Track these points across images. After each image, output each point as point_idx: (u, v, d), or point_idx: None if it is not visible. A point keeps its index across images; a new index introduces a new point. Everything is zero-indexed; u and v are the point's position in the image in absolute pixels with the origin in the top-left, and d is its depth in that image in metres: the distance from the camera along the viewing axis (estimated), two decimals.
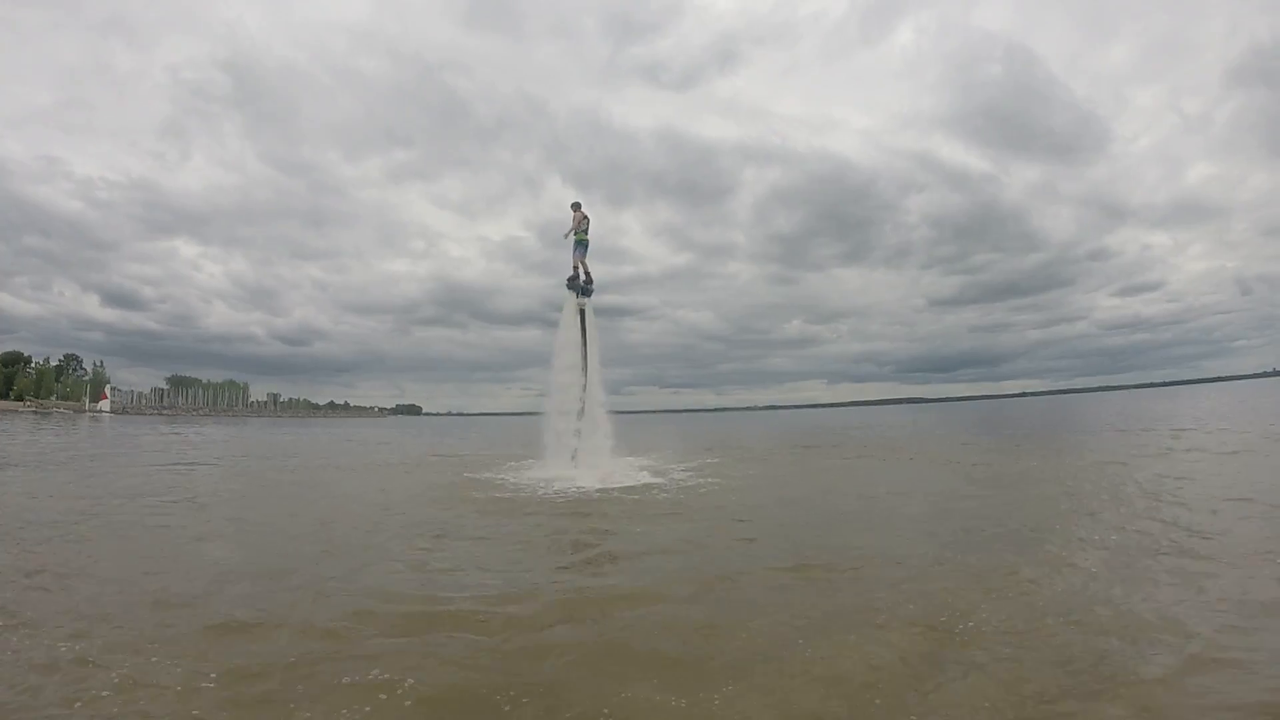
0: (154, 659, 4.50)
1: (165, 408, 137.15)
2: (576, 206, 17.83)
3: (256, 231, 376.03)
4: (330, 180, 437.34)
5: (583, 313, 17.36)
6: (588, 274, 17.62)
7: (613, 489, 13.27)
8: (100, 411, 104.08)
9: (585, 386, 16.88)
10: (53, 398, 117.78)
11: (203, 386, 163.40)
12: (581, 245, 17.58)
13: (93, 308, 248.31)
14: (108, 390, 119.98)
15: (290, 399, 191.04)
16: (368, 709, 3.88)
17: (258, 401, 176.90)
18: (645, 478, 15.19)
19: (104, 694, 4.01)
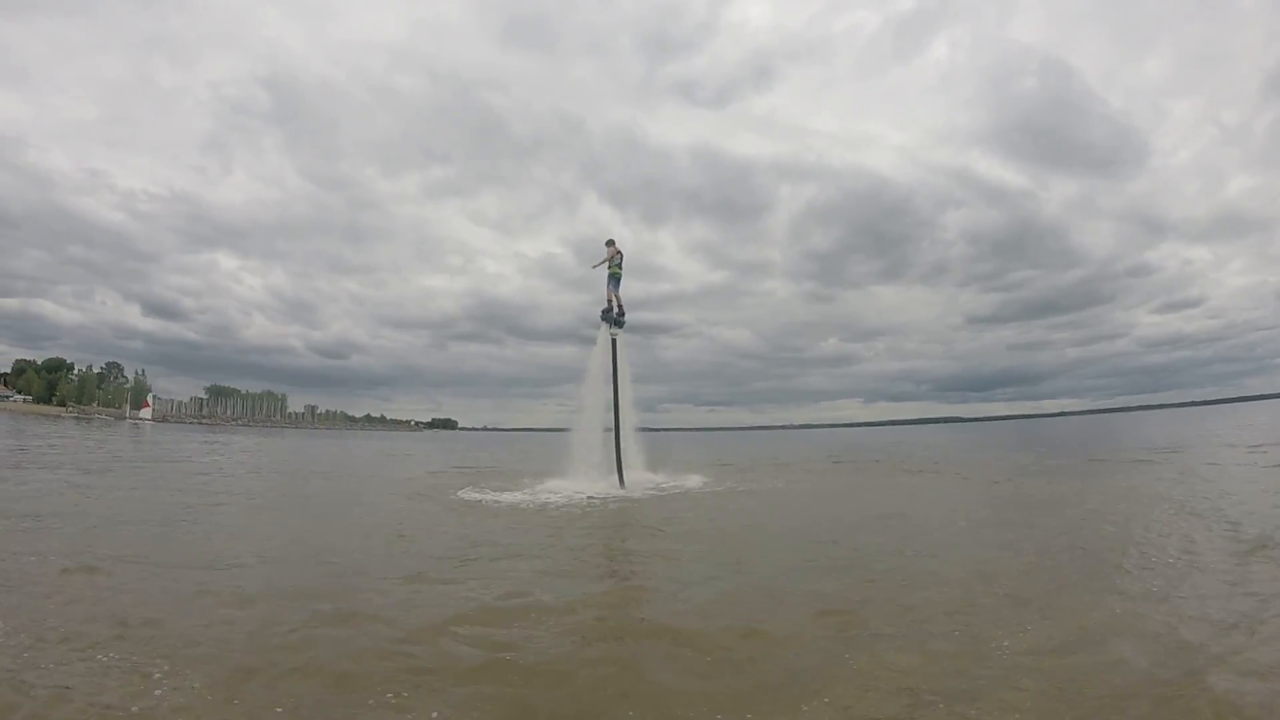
0: None
1: (204, 417, 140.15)
2: (610, 243, 18.92)
3: (295, 245, 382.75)
4: (368, 196, 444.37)
5: (614, 343, 18.31)
6: (620, 307, 18.63)
7: (640, 498, 14.66)
8: (141, 419, 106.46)
9: (617, 409, 17.80)
10: (94, 404, 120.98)
11: (241, 397, 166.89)
12: (615, 279, 18.66)
13: (134, 317, 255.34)
14: (149, 399, 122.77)
15: (327, 411, 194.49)
16: None
17: (295, 413, 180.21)
18: (669, 490, 16.33)
19: None
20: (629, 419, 18.17)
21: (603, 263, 18.86)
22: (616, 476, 16.84)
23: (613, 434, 17.60)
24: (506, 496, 15.16)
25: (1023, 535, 9.64)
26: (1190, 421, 71.89)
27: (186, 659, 4.60)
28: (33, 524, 9.77)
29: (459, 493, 15.77)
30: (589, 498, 14.59)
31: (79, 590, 6.30)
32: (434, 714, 3.96)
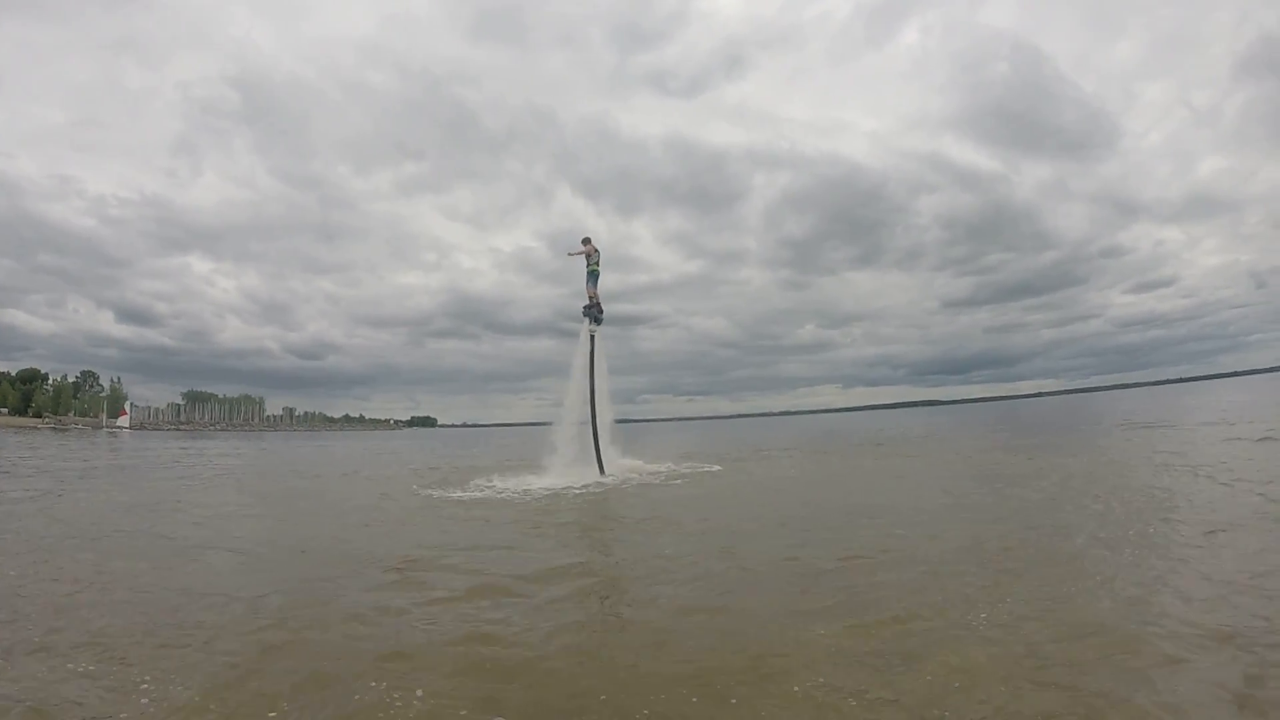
0: None
1: (182, 423, 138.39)
2: (586, 241, 19.42)
3: (269, 246, 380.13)
4: (341, 194, 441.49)
5: (593, 338, 18.93)
6: (598, 303, 19.20)
7: (620, 484, 15.60)
8: (119, 428, 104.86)
9: (593, 403, 18.38)
10: (71, 414, 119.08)
11: (218, 401, 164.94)
12: (593, 276, 19.18)
13: (107, 324, 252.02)
14: (127, 406, 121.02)
15: (306, 413, 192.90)
16: None
17: (273, 415, 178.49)
18: (645, 478, 17.15)
19: None
20: (604, 411, 18.70)
21: (579, 254, 19.40)
22: (597, 467, 17.54)
23: (592, 426, 18.14)
24: (490, 488, 15.63)
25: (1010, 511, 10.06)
26: (1165, 399, 73.40)
27: (171, 666, 4.64)
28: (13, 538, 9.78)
29: (440, 490, 15.88)
30: (571, 486, 15.23)
31: (59, 599, 6.35)
32: (419, 692, 4.18)
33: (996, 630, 4.92)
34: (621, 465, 19.02)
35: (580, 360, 18.94)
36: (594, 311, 19.06)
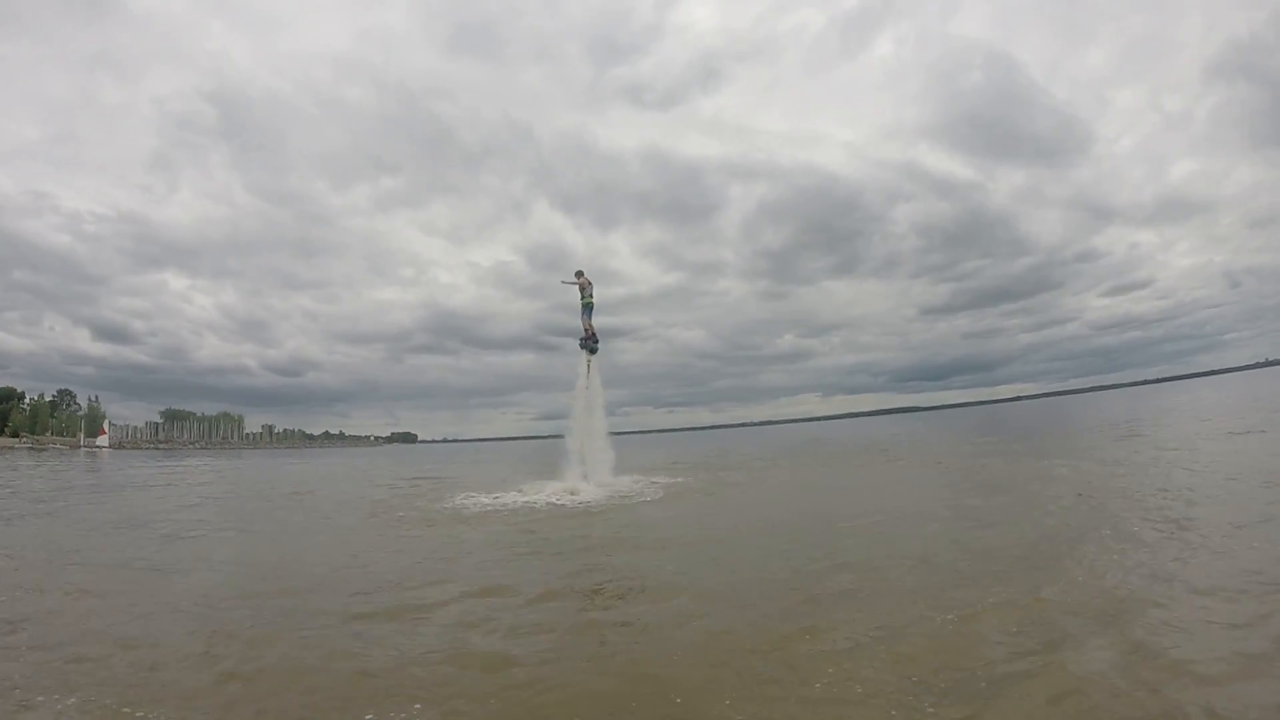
0: None
1: (161, 442, 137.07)
2: (579, 274, 20.60)
3: (246, 263, 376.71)
4: (318, 210, 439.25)
5: (589, 365, 20.18)
6: (594, 334, 20.36)
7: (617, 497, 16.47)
8: (99, 447, 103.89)
9: (593, 423, 19.87)
10: (48, 433, 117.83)
11: (197, 420, 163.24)
12: (588, 308, 20.28)
13: (84, 342, 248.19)
14: (106, 425, 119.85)
15: (285, 430, 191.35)
16: None
17: (253, 433, 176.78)
18: (639, 489, 18.17)
19: None
20: (602, 430, 20.21)
21: (572, 284, 20.55)
22: (595, 479, 18.70)
23: (592, 442, 19.65)
24: (487, 500, 16.86)
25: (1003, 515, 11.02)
26: (1143, 400, 75.46)
27: (157, 694, 4.82)
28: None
29: (442, 501, 16.66)
30: (559, 500, 16.38)
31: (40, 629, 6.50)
32: (416, 706, 4.56)
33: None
34: (618, 479, 20.06)
35: (579, 387, 20.21)
36: (591, 344, 20.28)
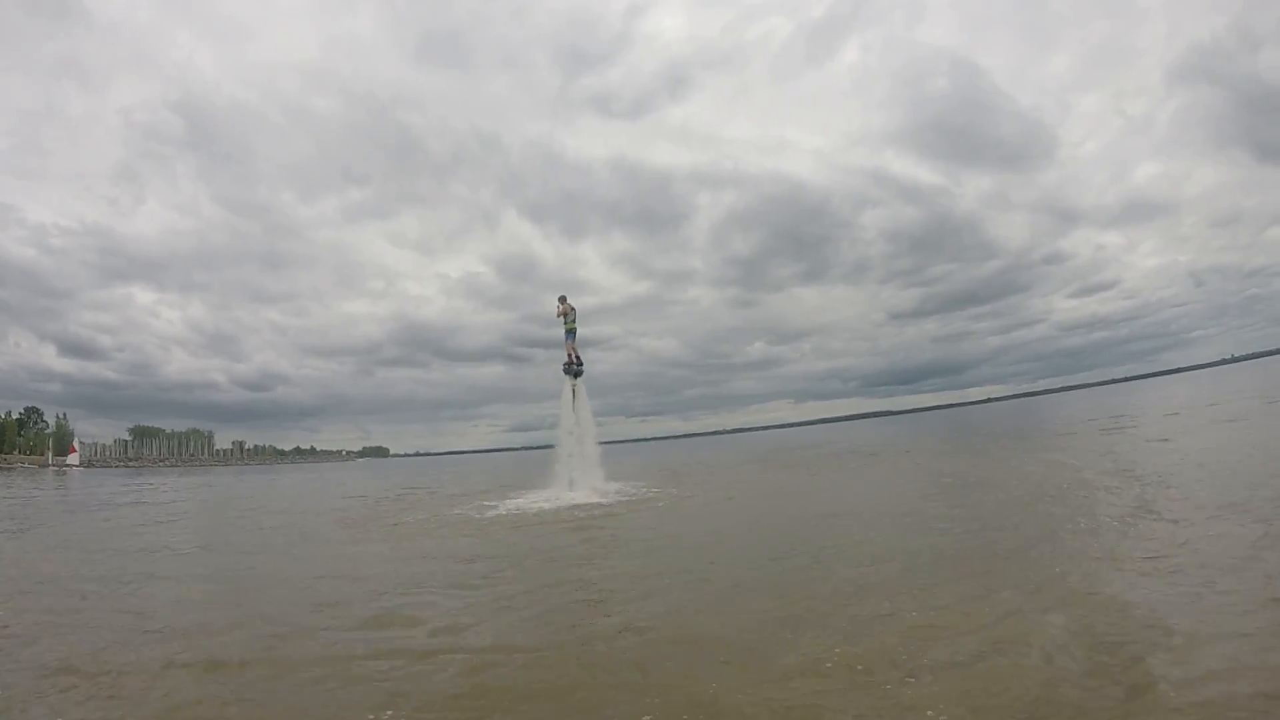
0: None
1: (131, 459, 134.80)
2: (563, 299, 21.31)
3: (213, 276, 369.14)
4: (286, 222, 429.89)
5: (574, 390, 21.03)
6: (578, 358, 21.26)
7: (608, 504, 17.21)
8: (69, 466, 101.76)
9: (581, 439, 20.89)
10: (15, 452, 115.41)
11: (166, 437, 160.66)
12: (571, 334, 21.09)
13: (50, 358, 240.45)
14: (75, 443, 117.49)
15: (256, 446, 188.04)
16: None
17: (223, 450, 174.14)
18: (623, 497, 18.82)
19: None
20: (591, 444, 21.38)
21: (560, 316, 21.18)
22: (580, 489, 19.48)
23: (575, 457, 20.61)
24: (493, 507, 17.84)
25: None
26: (1109, 398, 77.42)
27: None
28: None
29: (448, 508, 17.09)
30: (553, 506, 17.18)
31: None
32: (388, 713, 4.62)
33: None
34: (604, 488, 20.67)
35: (564, 408, 21.02)
36: (575, 368, 21.13)
